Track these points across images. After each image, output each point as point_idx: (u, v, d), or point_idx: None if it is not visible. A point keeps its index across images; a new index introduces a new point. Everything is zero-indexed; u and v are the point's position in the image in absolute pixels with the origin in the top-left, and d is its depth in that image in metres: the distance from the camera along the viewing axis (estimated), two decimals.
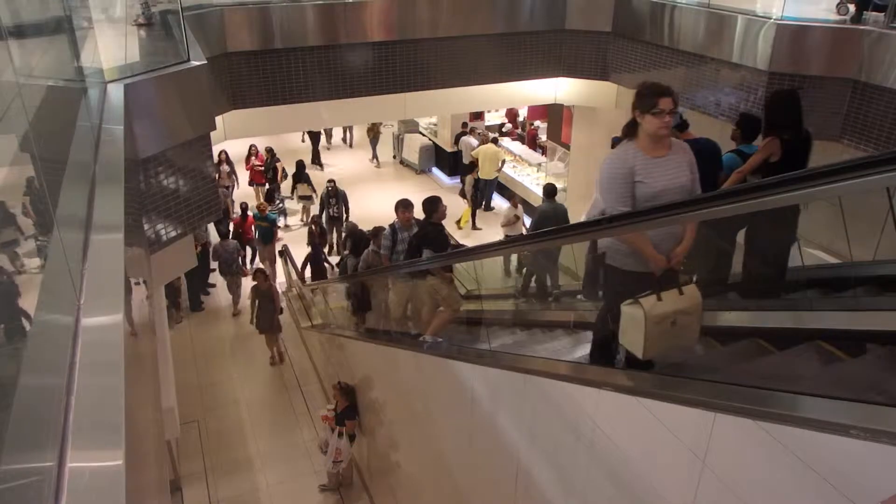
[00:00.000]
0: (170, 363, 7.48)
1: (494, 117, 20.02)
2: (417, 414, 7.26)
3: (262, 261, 14.35)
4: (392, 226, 8.03)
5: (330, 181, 14.97)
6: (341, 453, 8.72)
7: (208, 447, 9.86)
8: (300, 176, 16.65)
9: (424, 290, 7.14)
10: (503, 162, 16.30)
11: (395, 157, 20.79)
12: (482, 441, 5.55)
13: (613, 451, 3.75)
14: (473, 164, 16.02)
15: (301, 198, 16.74)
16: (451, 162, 18.79)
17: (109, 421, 1.76)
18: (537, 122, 19.16)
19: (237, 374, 11.64)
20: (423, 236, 7.35)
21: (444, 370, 6.13)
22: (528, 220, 13.23)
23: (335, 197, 15.06)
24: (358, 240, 10.70)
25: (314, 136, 20.63)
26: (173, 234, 5.89)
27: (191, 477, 9.25)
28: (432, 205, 7.43)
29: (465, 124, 18.25)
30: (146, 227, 5.48)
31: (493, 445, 5.30)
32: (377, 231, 9.17)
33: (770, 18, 7.98)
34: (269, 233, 14.20)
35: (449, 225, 11.81)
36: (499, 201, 16.93)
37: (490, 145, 16.21)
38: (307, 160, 18.12)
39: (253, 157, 17.19)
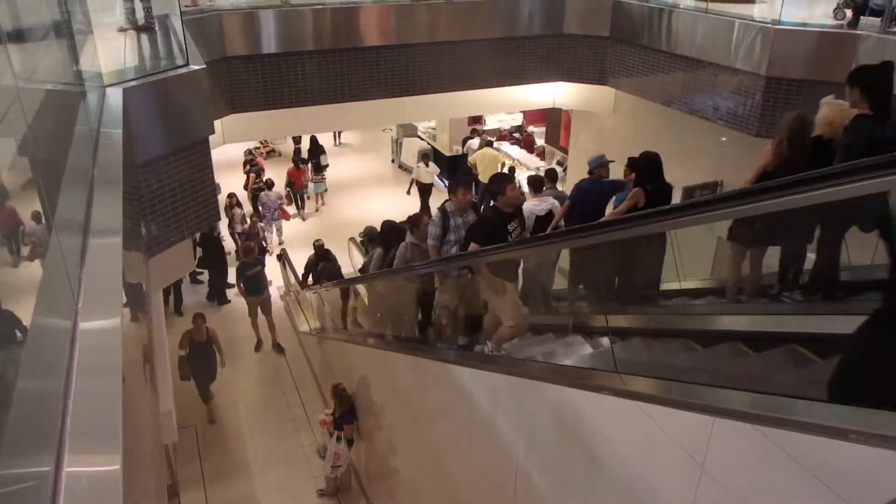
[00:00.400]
0: (167, 367, 7.47)
1: (493, 121, 20.01)
2: (416, 418, 7.25)
3: (252, 317, 12.31)
4: (443, 209, 6.45)
5: (317, 240, 12.83)
6: (339, 458, 8.71)
7: (206, 452, 9.84)
8: (316, 150, 18.00)
9: (476, 295, 6.15)
10: (503, 164, 16.31)
11: (393, 160, 20.80)
12: (481, 445, 5.54)
13: (612, 455, 3.75)
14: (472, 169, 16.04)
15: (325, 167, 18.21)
16: (450, 166, 18.78)
17: (107, 425, 1.75)
18: (531, 128, 19.15)
19: (235, 379, 11.61)
20: (479, 226, 6.04)
21: (442, 374, 6.13)
22: None
23: (324, 259, 12.21)
24: (389, 232, 8.82)
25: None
26: (171, 237, 5.89)
27: (188, 482, 9.22)
28: (500, 183, 6.08)
29: (474, 130, 18.27)
30: (144, 230, 5.48)
31: (491, 449, 5.30)
32: (415, 219, 7.39)
33: (767, 23, 8.00)
34: (257, 281, 12.04)
35: None
36: None
37: (488, 149, 16.26)
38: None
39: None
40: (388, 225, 8.97)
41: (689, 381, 3.46)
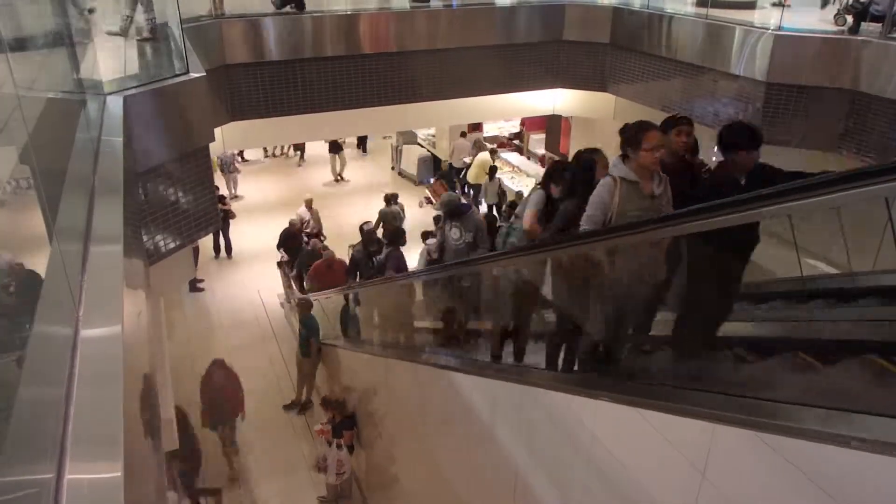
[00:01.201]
0: (168, 374, 7.45)
1: (493, 128, 20.06)
2: (417, 426, 7.24)
3: (309, 376, 11.08)
4: None
5: (366, 222, 11.31)
6: (343, 464, 8.70)
7: (205, 460, 9.80)
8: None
9: None
10: (492, 169, 16.43)
11: (393, 168, 20.84)
12: (481, 453, 5.53)
13: (612, 463, 3.74)
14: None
15: None
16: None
17: (108, 433, 1.75)
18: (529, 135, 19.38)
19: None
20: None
21: (442, 382, 6.12)
22: None
23: (394, 244, 10.01)
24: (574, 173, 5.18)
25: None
26: (172, 245, 5.89)
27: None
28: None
29: (463, 133, 18.39)
30: (145, 238, 5.48)
31: (492, 457, 5.29)
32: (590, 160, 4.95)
33: (768, 29, 8.02)
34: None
35: None
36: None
37: (484, 153, 16.67)
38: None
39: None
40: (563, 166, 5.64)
41: (689, 387, 3.46)
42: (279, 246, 13.57)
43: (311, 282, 11.60)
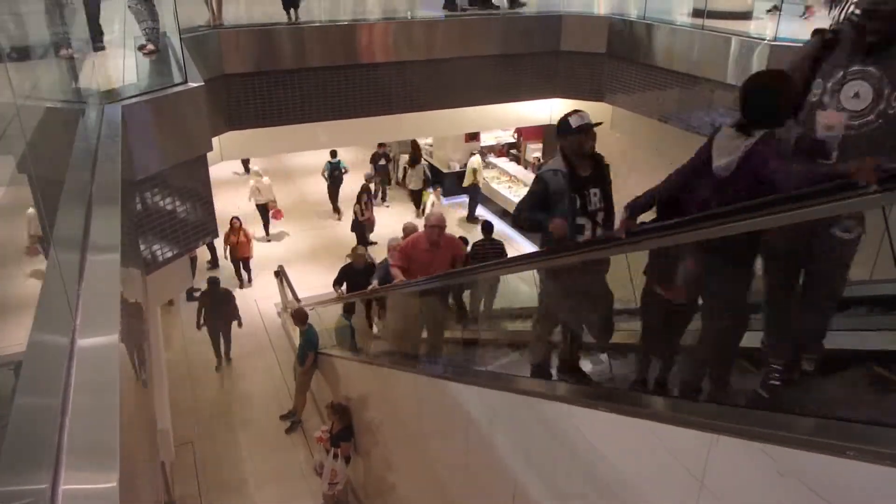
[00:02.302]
0: (165, 384, 7.45)
1: (489, 138, 20.10)
2: (414, 435, 7.21)
3: (304, 389, 10.88)
4: None
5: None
6: (337, 475, 8.66)
7: (202, 469, 9.78)
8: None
9: None
10: (474, 172, 16.70)
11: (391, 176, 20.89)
12: (478, 462, 5.51)
13: (611, 473, 3.73)
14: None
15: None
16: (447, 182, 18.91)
17: (104, 442, 1.75)
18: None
19: (232, 395, 11.57)
20: None
21: (440, 391, 6.10)
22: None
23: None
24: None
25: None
26: (169, 254, 5.88)
27: (185, 499, 9.17)
28: None
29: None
30: (142, 247, 5.48)
31: (489, 466, 5.27)
32: None
33: (764, 40, 8.04)
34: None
35: None
36: (481, 212, 17.35)
37: (475, 156, 17.26)
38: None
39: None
40: None
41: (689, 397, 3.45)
42: (337, 283, 10.67)
43: (402, 267, 7.16)
